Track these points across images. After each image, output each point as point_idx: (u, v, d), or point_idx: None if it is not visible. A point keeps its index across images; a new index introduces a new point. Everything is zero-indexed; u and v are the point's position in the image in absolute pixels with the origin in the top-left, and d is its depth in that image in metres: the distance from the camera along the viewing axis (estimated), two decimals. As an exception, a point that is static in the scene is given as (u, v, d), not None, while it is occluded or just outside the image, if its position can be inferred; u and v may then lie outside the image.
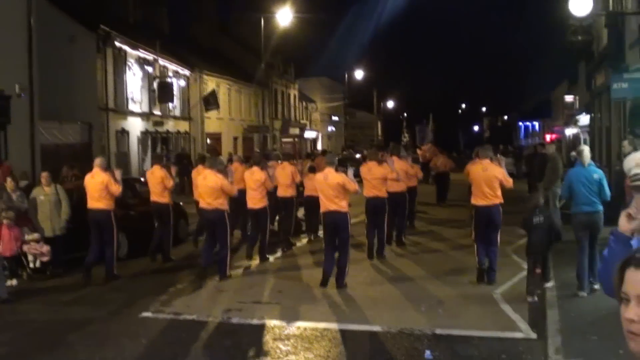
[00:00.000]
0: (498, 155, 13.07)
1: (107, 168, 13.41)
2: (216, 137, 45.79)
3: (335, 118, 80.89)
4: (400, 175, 14.91)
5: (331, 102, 75.97)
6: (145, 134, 35.13)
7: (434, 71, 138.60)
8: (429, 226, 19.75)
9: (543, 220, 10.44)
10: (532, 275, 10.45)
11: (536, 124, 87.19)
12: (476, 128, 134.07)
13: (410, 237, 17.04)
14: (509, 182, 11.71)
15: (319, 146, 69.76)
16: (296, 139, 61.27)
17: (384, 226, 14.44)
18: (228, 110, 48.37)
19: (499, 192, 11.69)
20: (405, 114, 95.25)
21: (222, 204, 12.40)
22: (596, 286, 10.08)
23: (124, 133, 32.66)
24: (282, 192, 15.98)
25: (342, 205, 11.49)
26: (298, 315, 9.77)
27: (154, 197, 14.48)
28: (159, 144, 36.63)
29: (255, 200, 14.18)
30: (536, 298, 10.21)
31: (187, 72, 41.54)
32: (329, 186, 11.50)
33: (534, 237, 10.51)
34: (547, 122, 73.00)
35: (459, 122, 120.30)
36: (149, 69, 35.56)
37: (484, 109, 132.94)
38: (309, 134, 69.84)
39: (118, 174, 13.18)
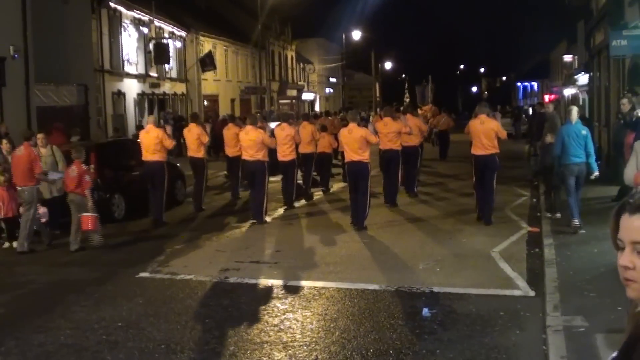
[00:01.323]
0: (495, 113, 14.65)
1: (160, 124, 15.49)
2: (213, 99, 45.62)
3: (333, 80, 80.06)
4: (413, 130, 16.24)
5: (329, 64, 75.08)
6: (141, 95, 34.93)
7: (432, 32, 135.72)
8: (436, 178, 21.22)
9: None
10: (549, 194, 13.30)
11: (535, 84, 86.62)
12: (474, 89, 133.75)
13: (420, 189, 18.16)
14: (503, 133, 13.36)
15: (317, 108, 69.35)
16: (294, 101, 60.94)
17: (397, 176, 15.92)
18: (225, 71, 48.06)
19: (496, 143, 13.16)
20: (403, 75, 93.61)
21: (264, 155, 14.03)
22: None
23: (120, 95, 32.44)
24: (303, 149, 17.31)
25: (364, 156, 13.04)
26: (296, 275, 9.80)
27: (147, 156, 14.53)
28: (155, 105, 36.43)
29: (285, 154, 15.79)
30: (558, 215, 12.74)
31: (183, 33, 41.17)
32: (354, 139, 13.01)
33: (547, 157, 13.03)
34: (546, 82, 72.59)
35: (457, 83, 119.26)
36: (145, 30, 35.24)
37: (482, 70, 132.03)
38: (307, 96, 69.36)
39: (169, 129, 14.97)
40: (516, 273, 9.47)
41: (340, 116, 28.99)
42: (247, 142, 14.16)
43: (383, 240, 12.18)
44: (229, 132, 18.11)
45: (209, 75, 43.00)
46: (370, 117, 34.50)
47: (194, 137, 16.20)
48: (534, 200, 16.10)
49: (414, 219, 14.22)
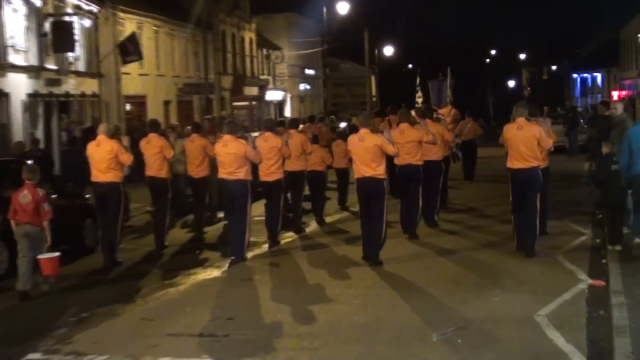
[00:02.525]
0: (538, 119, 15.57)
1: (114, 135, 16.24)
2: (139, 102, 45.55)
3: (310, 72, 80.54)
4: (437, 139, 17.21)
5: (304, 50, 74.58)
6: (34, 97, 34.55)
7: (450, 4, 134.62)
8: (464, 203, 22.36)
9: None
10: (614, 226, 14.24)
11: (598, 75, 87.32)
12: (512, 83, 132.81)
13: (444, 216, 19.40)
14: (548, 142, 14.47)
15: (287, 112, 69.22)
16: (254, 103, 60.31)
17: (418, 199, 17.03)
18: (155, 62, 47.94)
19: (538, 154, 14.32)
20: (410, 66, 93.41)
21: (246, 173, 15.12)
22: None
23: (1, 96, 32.18)
24: (291, 166, 18.40)
25: (378, 170, 14.12)
26: (249, 354, 9.70)
27: (99, 176, 15.73)
28: (54, 111, 36.08)
29: (270, 171, 16.86)
30: (619, 247, 13.89)
31: (94, 8, 40.97)
32: (366, 149, 14.06)
33: (613, 186, 14.01)
34: (614, 72, 72.96)
35: (487, 76, 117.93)
36: (38, 2, 34.97)
37: (522, 56, 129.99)
38: (273, 95, 69.46)
39: (126, 140, 16.15)
40: (572, 346, 9.39)
41: (326, 121, 28.84)
42: (225, 156, 15.18)
43: (384, 296, 12.28)
44: (193, 145, 19.61)
45: (132, 68, 42.92)
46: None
47: (155, 151, 17.53)
48: (597, 240, 16.09)
49: (433, 260, 14.99)
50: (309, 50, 75.78)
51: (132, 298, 12.87)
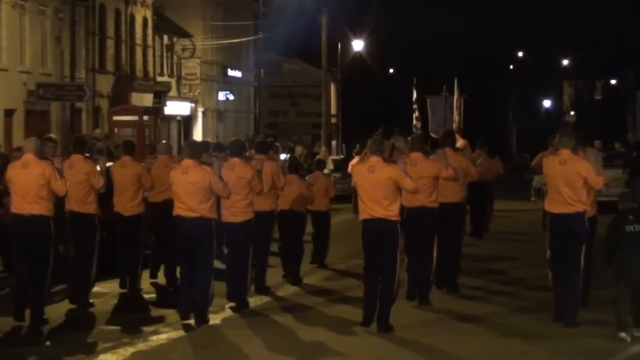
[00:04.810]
0: (588, 148, 14.42)
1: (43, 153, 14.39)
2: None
3: (235, 74, 61.68)
4: (459, 174, 15.23)
5: (228, 39, 56.17)
6: None
7: None
8: (485, 263, 20.05)
9: None
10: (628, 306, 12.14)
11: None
12: (547, 103, 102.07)
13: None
14: (598, 181, 12.89)
15: (198, 133, 54.24)
16: (146, 118, 43.10)
17: (432, 253, 15.03)
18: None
19: (584, 196, 12.87)
20: (391, 71, 76.68)
21: (211, 209, 13.62)
22: None
23: None
24: (258, 204, 15.78)
25: (391, 210, 12.73)
26: None
27: (23, 207, 13.95)
28: None
29: (237, 210, 14.81)
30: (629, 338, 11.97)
31: None
32: (376, 183, 12.71)
33: (629, 255, 12.03)
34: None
35: (509, 91, 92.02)
36: None
37: (565, 62, 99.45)
38: (177, 108, 52.93)
39: (59, 162, 14.24)
40: None
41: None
42: (183, 186, 13.55)
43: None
44: (123, 171, 16.89)
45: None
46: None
47: (80, 178, 15.20)
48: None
49: (456, 326, 13.64)
50: (235, 40, 57.21)
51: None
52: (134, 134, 38.52)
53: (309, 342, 12.46)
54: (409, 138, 17.23)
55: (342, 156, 51.21)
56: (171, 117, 52.76)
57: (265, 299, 15.85)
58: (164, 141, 27.44)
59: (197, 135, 52.47)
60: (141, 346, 12.43)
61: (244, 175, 14.63)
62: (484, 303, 15.30)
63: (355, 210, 26.44)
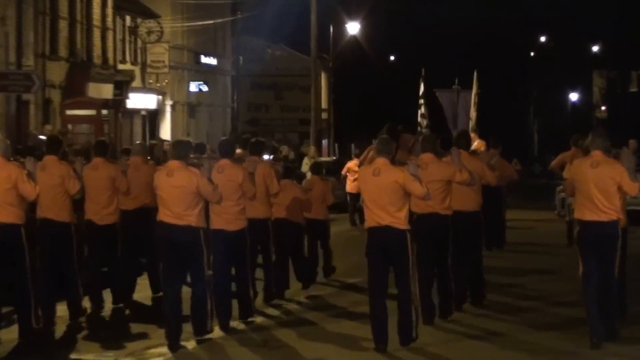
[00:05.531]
0: (625, 149, 15.84)
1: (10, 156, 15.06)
2: None
3: (209, 61, 57.32)
4: (475, 178, 15.46)
5: (200, 20, 52.14)
6: None
7: None
8: (505, 277, 20.21)
9: None
10: None
11: None
12: (574, 97, 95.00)
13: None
14: (633, 187, 13.00)
15: (166, 130, 50.48)
16: (105, 112, 43.41)
17: (447, 264, 15.33)
18: None
19: (618, 203, 12.99)
20: (392, 58, 71.34)
21: (198, 217, 13.77)
22: None
23: None
24: (252, 211, 16.37)
25: (399, 217, 12.88)
26: None
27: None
28: None
29: (230, 218, 15.18)
30: None
31: None
32: (381, 187, 12.93)
33: None
34: None
35: (529, 82, 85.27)
36: None
37: (595, 49, 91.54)
38: (142, 101, 49.04)
39: (79, 164, 15.57)
40: None
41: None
42: (168, 190, 13.65)
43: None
44: (96, 174, 17.22)
45: None
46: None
47: (54, 182, 15.36)
48: None
49: (477, 344, 13.78)
50: (210, 22, 53.74)
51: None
52: (91, 130, 38.14)
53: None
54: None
55: (335, 157, 49.94)
56: (134, 112, 49.09)
57: (259, 317, 16.08)
58: (138, 142, 29.07)
59: (165, 132, 50.17)
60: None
61: (234, 177, 14.96)
62: (507, 318, 15.84)
63: (352, 222, 28.94)
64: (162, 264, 14.17)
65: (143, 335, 14.45)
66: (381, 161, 12.91)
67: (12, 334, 14.54)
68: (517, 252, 24.81)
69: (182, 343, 13.50)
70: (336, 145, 61.05)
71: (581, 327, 13.50)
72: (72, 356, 13.51)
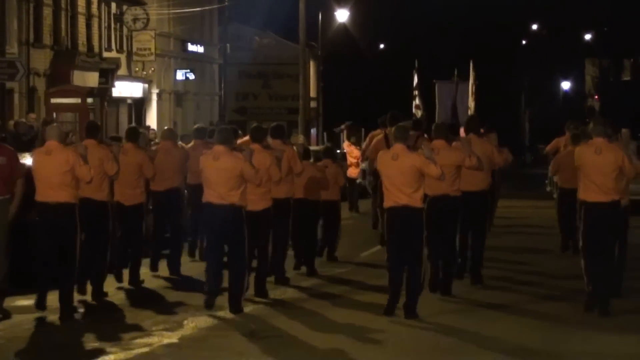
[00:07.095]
0: (625, 131, 17.61)
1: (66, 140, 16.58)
2: None
3: (196, 49, 57.40)
4: (483, 163, 16.17)
5: (187, 7, 52.48)
6: None
7: None
8: (505, 253, 21.02)
9: None
10: None
11: None
12: (566, 85, 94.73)
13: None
14: (633, 169, 13.77)
15: (153, 118, 50.34)
16: (90, 100, 42.86)
17: (454, 243, 16.20)
18: None
19: (622, 185, 13.99)
20: (381, 46, 70.80)
21: (242, 197, 14.61)
22: None
23: None
24: (274, 191, 17.43)
25: (415, 198, 13.87)
26: None
27: (49, 195, 15.06)
28: None
29: (256, 198, 15.74)
30: None
31: None
32: (400, 170, 13.88)
33: None
34: None
35: (521, 71, 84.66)
36: None
37: (587, 37, 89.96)
38: (128, 88, 48.56)
39: (82, 148, 15.44)
40: None
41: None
42: (214, 173, 14.75)
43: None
44: (125, 159, 17.80)
45: None
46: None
47: (94, 163, 15.86)
48: None
49: (482, 314, 14.64)
50: (197, 9, 54.23)
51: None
52: (76, 119, 38.09)
53: (344, 325, 13.42)
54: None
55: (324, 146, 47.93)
56: (120, 100, 48.75)
57: (289, 290, 16.84)
58: (166, 127, 30.34)
59: (152, 121, 49.50)
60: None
61: (263, 161, 15.56)
62: (510, 292, 16.50)
63: (351, 208, 30.31)
64: (207, 239, 15.70)
65: (134, 327, 14.24)
66: (399, 146, 14.00)
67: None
68: (512, 233, 25.99)
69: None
70: (325, 134, 59.34)
71: (583, 297, 14.34)
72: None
